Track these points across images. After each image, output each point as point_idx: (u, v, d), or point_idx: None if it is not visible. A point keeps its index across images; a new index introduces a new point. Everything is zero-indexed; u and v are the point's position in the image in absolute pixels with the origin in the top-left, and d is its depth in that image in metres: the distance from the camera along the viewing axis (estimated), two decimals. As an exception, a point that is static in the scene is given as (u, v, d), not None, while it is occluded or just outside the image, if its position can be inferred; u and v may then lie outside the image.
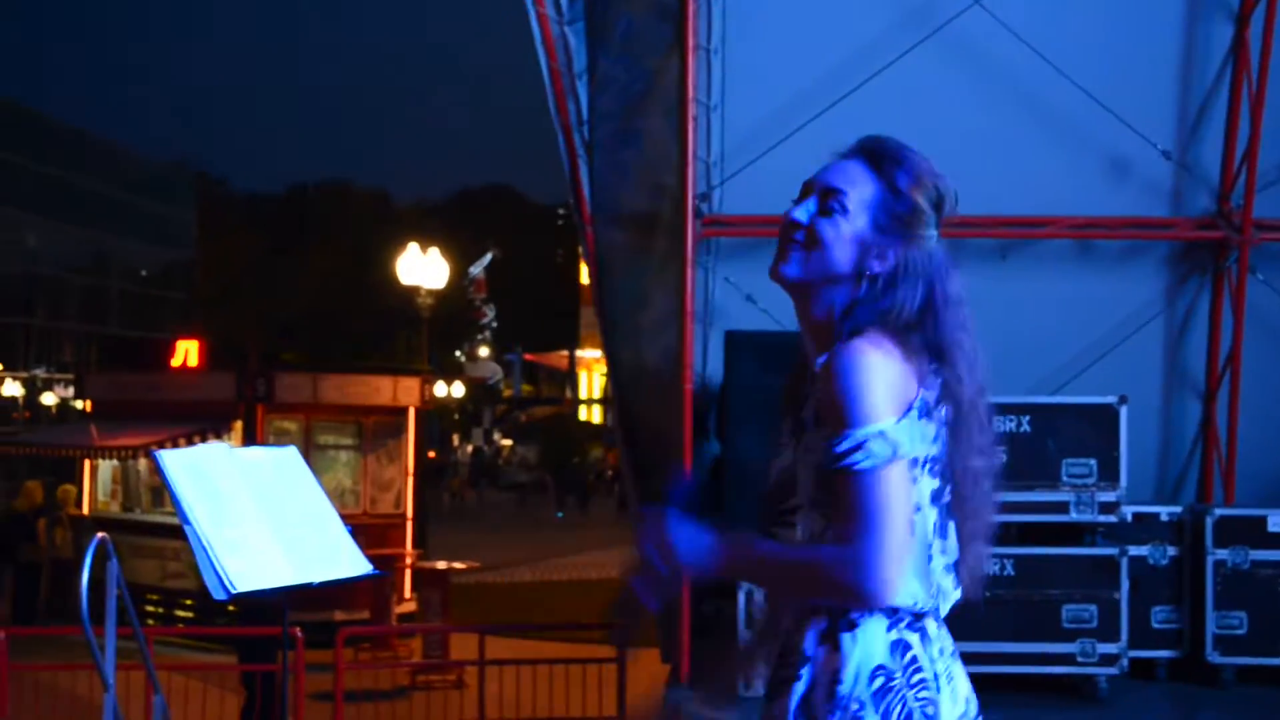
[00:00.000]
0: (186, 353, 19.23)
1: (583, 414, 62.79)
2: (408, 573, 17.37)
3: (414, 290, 27.97)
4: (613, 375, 9.29)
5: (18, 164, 62.81)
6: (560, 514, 38.62)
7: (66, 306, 66.77)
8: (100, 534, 3.96)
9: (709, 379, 8.83)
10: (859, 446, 2.40)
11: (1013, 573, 7.65)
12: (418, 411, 19.00)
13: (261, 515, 3.25)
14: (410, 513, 18.25)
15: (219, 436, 17.59)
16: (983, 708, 2.61)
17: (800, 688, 2.53)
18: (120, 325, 62.40)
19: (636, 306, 8.73)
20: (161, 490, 19.08)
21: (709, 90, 8.63)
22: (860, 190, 2.60)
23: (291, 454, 3.39)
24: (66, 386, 51.32)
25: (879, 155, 2.63)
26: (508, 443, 56.07)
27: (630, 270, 8.75)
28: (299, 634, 9.21)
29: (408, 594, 17.27)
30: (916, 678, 2.49)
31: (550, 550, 27.28)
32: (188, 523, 3.14)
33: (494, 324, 60.21)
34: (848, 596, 2.41)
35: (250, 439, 17.27)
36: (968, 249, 8.37)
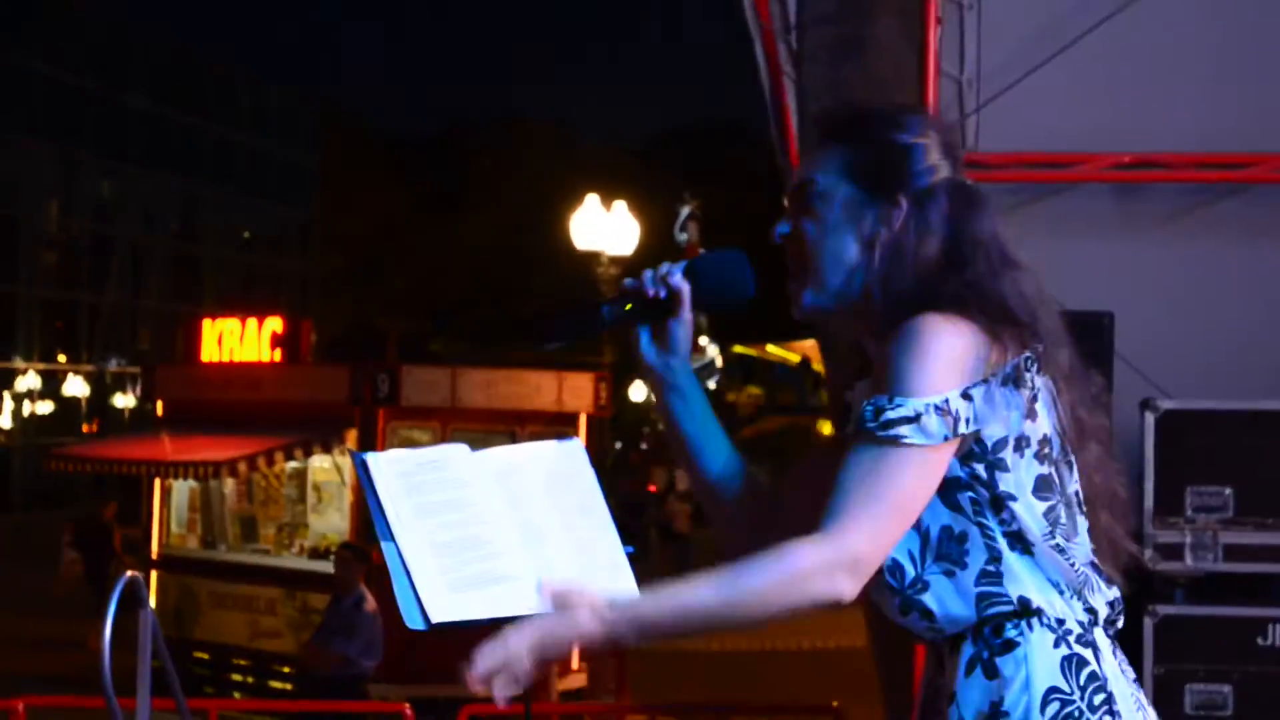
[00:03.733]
0: (287, 339, 19.74)
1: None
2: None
3: (592, 257, 28.02)
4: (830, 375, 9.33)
5: (89, 90, 64.58)
6: None
7: (147, 277, 68.90)
8: (129, 572, 4.09)
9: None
10: (907, 419, 2.65)
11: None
12: (592, 419, 19.21)
13: (501, 530, 3.30)
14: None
15: (326, 449, 18.08)
16: None
17: None
18: (215, 302, 64.40)
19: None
20: (254, 523, 19.74)
21: (962, -19, 8.61)
22: (825, 163, 2.93)
23: (573, 449, 3.49)
24: (139, 383, 53.32)
25: (832, 123, 3.00)
26: None
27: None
28: (408, 712, 9.49)
29: (575, 663, 17.47)
30: (1100, 699, 2.71)
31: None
32: (388, 538, 3.28)
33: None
34: (817, 589, 2.62)
35: (367, 450, 17.61)
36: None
